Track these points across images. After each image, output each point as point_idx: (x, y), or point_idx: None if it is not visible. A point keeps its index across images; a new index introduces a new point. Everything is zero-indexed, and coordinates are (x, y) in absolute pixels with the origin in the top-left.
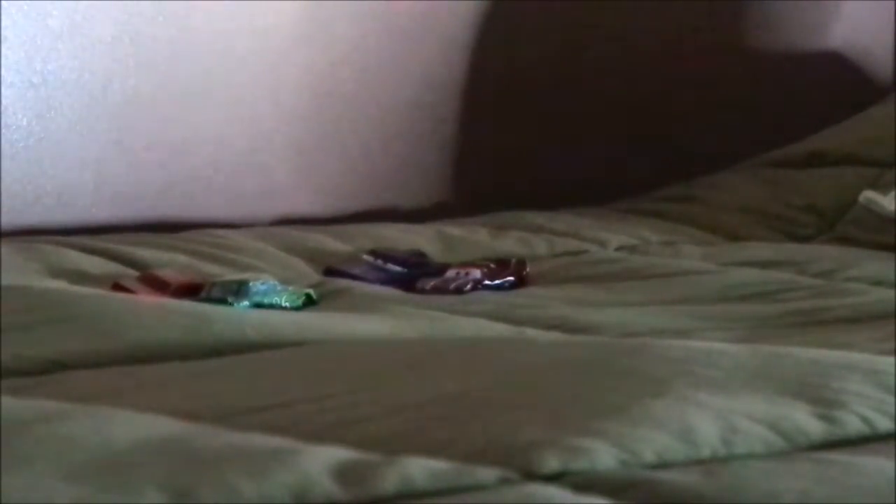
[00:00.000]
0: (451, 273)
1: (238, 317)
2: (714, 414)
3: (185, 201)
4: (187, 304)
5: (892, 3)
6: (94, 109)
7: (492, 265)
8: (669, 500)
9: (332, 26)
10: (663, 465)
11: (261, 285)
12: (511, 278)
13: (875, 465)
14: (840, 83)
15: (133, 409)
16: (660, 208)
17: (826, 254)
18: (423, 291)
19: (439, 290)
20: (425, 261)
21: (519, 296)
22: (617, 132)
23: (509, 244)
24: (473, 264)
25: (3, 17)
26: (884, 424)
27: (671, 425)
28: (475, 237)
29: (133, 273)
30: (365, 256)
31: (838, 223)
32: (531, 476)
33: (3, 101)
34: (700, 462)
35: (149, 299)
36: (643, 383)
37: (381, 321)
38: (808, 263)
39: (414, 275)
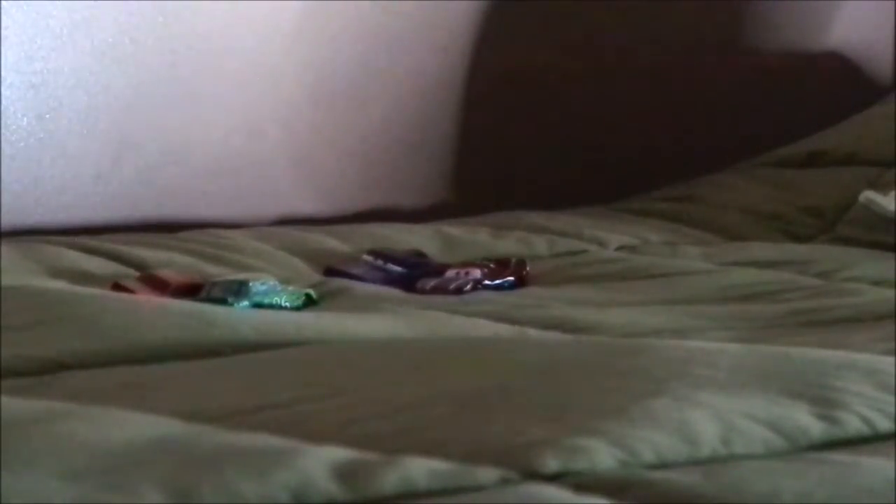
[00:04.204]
0: (451, 273)
1: (238, 317)
2: (714, 414)
3: (185, 201)
4: (187, 304)
5: (892, 3)
6: (94, 109)
7: (492, 265)
8: (669, 500)
9: (332, 26)
10: (663, 465)
11: (261, 285)
12: (511, 278)
13: (875, 465)
14: (840, 83)
15: (133, 409)
16: (660, 208)
17: (826, 254)
18: (423, 291)
19: (439, 290)
20: (425, 261)
21: (519, 296)
22: (617, 132)
23: (509, 244)
24: (473, 264)
25: (3, 17)
26: (884, 424)
27: (671, 425)
28: (475, 237)
29: (133, 273)
30: (365, 256)
31: (838, 223)
32: (531, 476)
33: (3, 101)
34: (700, 462)
35: (149, 299)
36: (643, 383)
37: (381, 321)
38: (808, 263)
39: (414, 275)
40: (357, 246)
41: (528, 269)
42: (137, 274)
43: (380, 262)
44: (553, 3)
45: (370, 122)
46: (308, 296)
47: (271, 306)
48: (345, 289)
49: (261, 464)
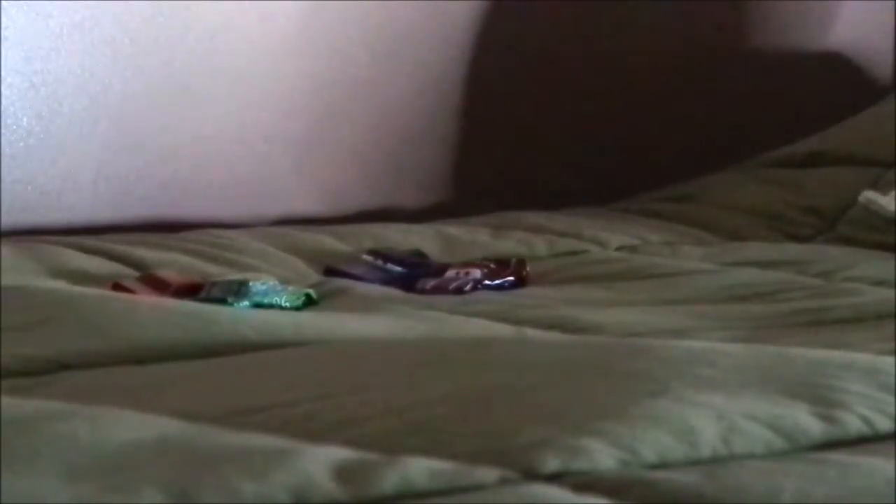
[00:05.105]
0: (451, 273)
1: (238, 317)
2: (714, 414)
3: (185, 201)
4: (187, 304)
5: (892, 3)
6: (94, 109)
7: (492, 265)
8: (669, 500)
9: (332, 26)
10: (663, 465)
11: (261, 285)
12: (511, 278)
13: (875, 465)
14: (840, 83)
15: (133, 409)
16: (660, 208)
17: (826, 254)
18: (423, 291)
19: (439, 290)
20: (425, 261)
21: (519, 296)
22: (617, 132)
23: (509, 244)
24: (473, 264)
25: (3, 17)
26: (884, 424)
27: (671, 425)
28: (475, 237)
29: (133, 273)
30: (365, 256)
31: (838, 223)
32: (531, 476)
33: (3, 101)
34: (700, 462)
35: (149, 299)
36: (643, 383)
37: (381, 321)
38: (808, 263)
39: (414, 275)
40: (357, 246)
41: (528, 269)
42: (137, 274)
43: (380, 262)
44: (553, 3)
45: (370, 122)
46: (308, 296)
47: (271, 306)
48: (345, 289)
49: (261, 464)
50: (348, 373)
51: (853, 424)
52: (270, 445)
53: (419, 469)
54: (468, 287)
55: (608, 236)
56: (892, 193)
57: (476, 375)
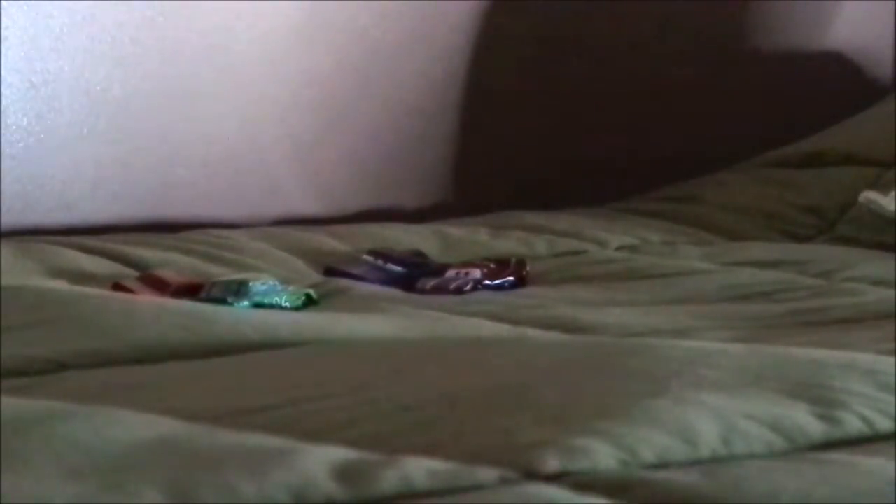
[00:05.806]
0: (451, 273)
1: (238, 317)
2: (714, 414)
3: (185, 201)
4: (187, 304)
5: (892, 3)
6: (94, 109)
7: (492, 265)
8: (669, 500)
9: (332, 26)
10: (663, 465)
11: (261, 285)
12: (511, 278)
13: (875, 465)
14: (840, 83)
15: (133, 409)
16: (660, 208)
17: (826, 254)
18: (423, 291)
19: (439, 290)
20: (425, 261)
21: (519, 296)
22: (617, 132)
23: (509, 244)
24: (473, 264)
25: (3, 17)
26: (884, 424)
27: (671, 425)
28: (475, 237)
29: (133, 273)
30: (365, 256)
31: (838, 223)
32: (531, 476)
33: (3, 101)
34: (700, 462)
35: (149, 299)
36: (643, 383)
37: (381, 321)
38: (808, 263)
39: (414, 275)
40: (357, 246)
41: (528, 269)
42: (137, 274)
43: (380, 262)
44: (553, 3)
45: (370, 122)
46: (308, 296)
47: (271, 306)
48: (345, 289)
49: (261, 464)
50: (348, 373)
51: (853, 424)
52: (270, 445)
53: (419, 469)
54: (468, 287)
55: (608, 236)
56: (892, 193)
57: (476, 375)
